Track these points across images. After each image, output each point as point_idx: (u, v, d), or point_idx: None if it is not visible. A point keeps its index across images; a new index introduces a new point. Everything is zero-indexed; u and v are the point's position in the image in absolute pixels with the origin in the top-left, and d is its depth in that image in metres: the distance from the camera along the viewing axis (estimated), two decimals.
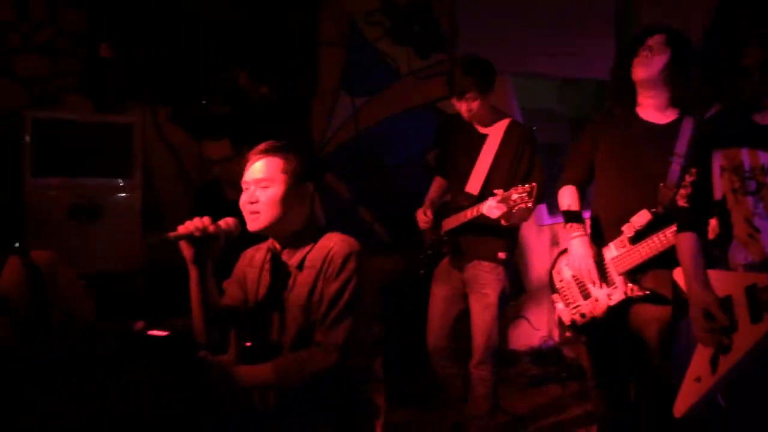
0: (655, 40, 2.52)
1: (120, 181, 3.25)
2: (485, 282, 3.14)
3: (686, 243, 2.20)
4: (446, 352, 3.31)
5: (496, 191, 2.77)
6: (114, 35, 3.55)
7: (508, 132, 3.14)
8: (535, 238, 5.10)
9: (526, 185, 2.68)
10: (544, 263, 5.15)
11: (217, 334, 2.00)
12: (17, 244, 1.79)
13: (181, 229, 1.86)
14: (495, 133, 3.16)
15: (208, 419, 1.92)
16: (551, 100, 5.44)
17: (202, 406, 1.86)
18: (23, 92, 3.37)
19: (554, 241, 5.18)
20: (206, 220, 1.87)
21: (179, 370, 2.50)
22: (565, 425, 3.77)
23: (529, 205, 2.66)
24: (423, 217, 3.30)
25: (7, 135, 3.20)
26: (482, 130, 3.20)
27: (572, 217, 2.76)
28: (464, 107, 3.10)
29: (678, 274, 2.29)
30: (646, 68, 2.52)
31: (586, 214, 2.84)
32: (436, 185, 3.46)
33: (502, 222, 2.87)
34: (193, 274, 1.92)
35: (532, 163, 3.11)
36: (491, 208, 2.78)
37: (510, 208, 2.72)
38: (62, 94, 3.48)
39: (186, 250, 1.89)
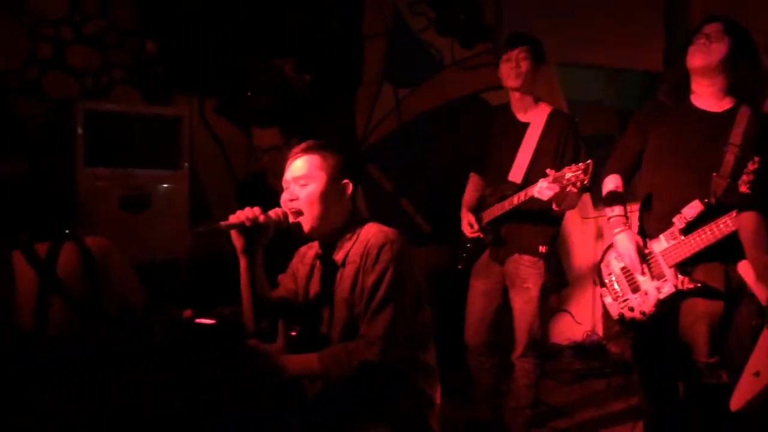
0: (712, 28, 2.46)
1: (168, 171, 3.30)
2: (526, 276, 3.11)
3: (749, 220, 2.17)
4: (484, 347, 3.29)
5: (548, 171, 2.70)
6: (162, 28, 3.60)
7: (550, 120, 3.10)
8: (579, 231, 5.04)
9: (580, 163, 2.61)
10: (588, 257, 5.09)
11: (266, 324, 2.02)
12: (67, 231, 1.82)
13: (232, 218, 1.88)
14: (537, 121, 3.11)
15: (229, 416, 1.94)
16: (597, 91, 5.35)
17: (203, 406, 1.87)
18: (75, 84, 3.44)
19: (599, 234, 5.10)
20: (256, 210, 1.90)
21: (228, 356, 2.54)
22: (609, 420, 3.72)
23: (585, 182, 2.58)
24: (468, 227, 3.25)
25: (61, 126, 3.27)
26: (523, 118, 3.15)
27: (614, 199, 2.72)
28: (512, 68, 3.05)
29: (743, 267, 2.25)
30: (704, 56, 2.46)
31: (632, 207, 2.79)
32: (472, 185, 3.41)
33: (553, 206, 2.82)
34: (243, 263, 1.94)
35: (577, 151, 3.06)
36: (542, 189, 2.71)
37: (563, 188, 2.65)
38: (112, 86, 3.54)
39: (236, 239, 1.92)
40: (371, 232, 1.94)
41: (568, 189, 2.66)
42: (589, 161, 2.59)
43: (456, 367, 3.36)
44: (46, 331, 1.66)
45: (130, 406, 1.73)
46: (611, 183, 2.75)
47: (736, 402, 2.16)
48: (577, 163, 2.93)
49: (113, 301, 1.75)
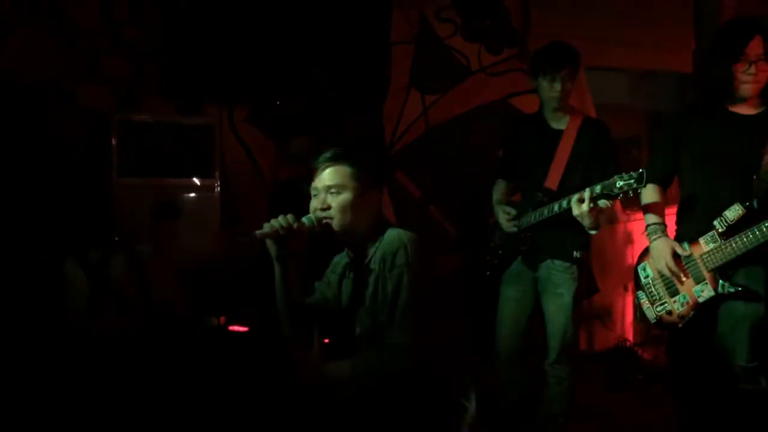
0: (755, 50, 2.41)
1: (200, 180, 3.34)
2: (559, 282, 3.08)
3: None
4: (516, 355, 3.26)
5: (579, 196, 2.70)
6: (192, 37, 3.64)
7: (583, 127, 3.09)
8: (609, 235, 4.98)
9: (632, 172, 2.55)
10: (618, 262, 5.03)
11: (301, 330, 2.03)
12: (117, 238, 1.86)
13: (266, 226, 1.90)
14: (570, 128, 3.10)
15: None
16: (626, 94, 5.30)
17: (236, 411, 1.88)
18: (109, 95, 3.50)
19: (628, 239, 5.04)
20: (290, 217, 1.91)
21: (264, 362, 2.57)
22: (642, 429, 3.67)
23: (639, 192, 2.56)
24: (507, 216, 3.22)
25: (95, 137, 3.33)
26: (556, 126, 3.14)
27: (653, 209, 2.71)
28: (557, 90, 3.01)
29: None
30: (755, 86, 2.45)
31: (669, 211, 2.76)
32: (501, 189, 3.40)
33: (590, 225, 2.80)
34: (279, 270, 1.96)
35: (608, 161, 3.03)
36: (575, 205, 2.71)
37: (596, 211, 2.68)
38: (144, 96, 3.60)
39: (271, 247, 1.93)
40: (389, 239, 1.96)
41: (602, 208, 2.67)
42: (641, 170, 2.53)
43: (487, 375, 3.35)
44: (98, 336, 1.69)
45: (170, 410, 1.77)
46: (650, 196, 2.73)
47: None
48: (606, 172, 2.91)
49: (160, 307, 1.78)
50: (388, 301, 1.88)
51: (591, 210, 2.68)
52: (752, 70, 2.41)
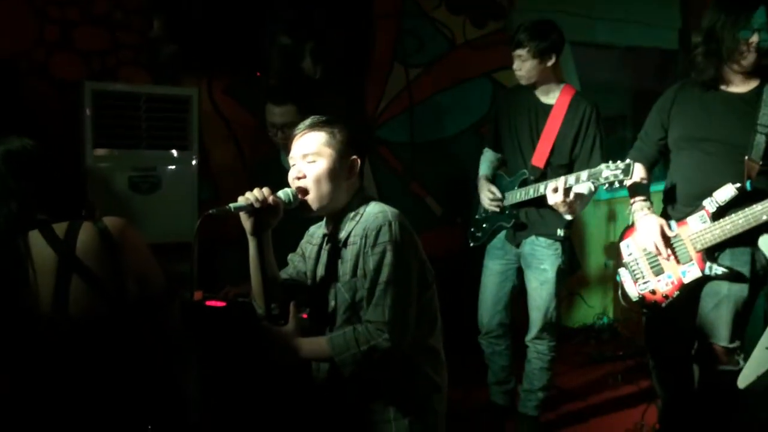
0: (759, 20, 2.35)
1: (177, 152, 3.27)
2: (543, 257, 3.09)
3: None
4: (499, 329, 3.27)
5: (556, 184, 2.75)
6: (170, 7, 3.54)
7: (572, 104, 3.06)
8: (591, 214, 4.98)
9: (619, 162, 2.56)
10: (600, 240, 5.05)
11: (276, 305, 1.99)
12: (84, 212, 1.79)
13: (241, 200, 1.85)
14: (560, 105, 3.07)
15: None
16: (612, 70, 5.26)
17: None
18: (82, 65, 3.41)
19: (611, 217, 5.05)
20: (266, 190, 1.86)
21: (241, 338, 2.53)
22: (621, 403, 3.71)
23: (625, 183, 2.56)
24: (491, 195, 3.21)
25: (68, 107, 3.24)
26: (545, 100, 3.11)
27: (639, 189, 2.69)
28: (517, 69, 3.04)
29: (764, 241, 2.21)
30: (756, 54, 2.39)
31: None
32: (489, 160, 3.38)
33: (567, 210, 2.83)
34: (253, 244, 1.92)
35: (595, 139, 3.03)
36: (551, 195, 2.76)
37: (570, 200, 2.73)
38: (120, 67, 3.50)
39: (246, 221, 1.89)
40: (371, 213, 1.90)
41: (574, 198, 2.73)
42: (628, 161, 2.54)
43: (468, 350, 3.35)
44: (66, 312, 1.64)
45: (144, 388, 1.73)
46: (637, 174, 2.68)
47: (746, 378, 2.13)
48: (593, 152, 2.90)
49: (133, 282, 1.72)
50: (369, 278, 1.84)
51: (565, 199, 2.71)
52: (755, 37, 2.36)
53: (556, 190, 2.74)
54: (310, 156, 1.91)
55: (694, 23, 4.90)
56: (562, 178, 2.75)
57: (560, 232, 3.06)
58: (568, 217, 2.93)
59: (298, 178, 1.92)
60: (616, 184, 2.56)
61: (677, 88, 2.67)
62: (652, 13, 5.01)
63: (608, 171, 2.56)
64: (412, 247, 1.89)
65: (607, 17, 4.82)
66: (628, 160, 2.53)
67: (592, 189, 2.88)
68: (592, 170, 2.64)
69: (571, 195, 2.75)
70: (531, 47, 2.97)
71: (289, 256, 2.13)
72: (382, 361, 1.83)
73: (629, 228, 2.77)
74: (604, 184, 2.58)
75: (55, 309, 1.63)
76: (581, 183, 2.71)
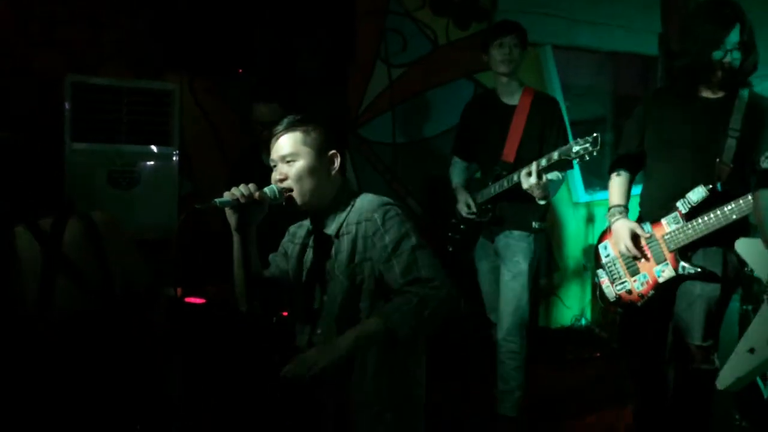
0: (733, 39, 2.41)
1: (158, 148, 3.24)
2: (516, 250, 3.16)
3: None
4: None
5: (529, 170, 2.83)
6: (153, 3, 3.51)
7: (535, 103, 3.18)
8: (570, 216, 5.03)
9: (587, 137, 2.68)
10: (579, 241, 5.09)
11: (257, 302, 1.99)
12: (68, 206, 1.77)
13: (227, 195, 1.85)
14: (523, 104, 3.19)
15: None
16: (593, 74, 5.31)
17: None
18: (63, 60, 3.36)
19: (589, 219, 5.10)
20: (251, 186, 1.86)
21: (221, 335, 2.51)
22: (598, 404, 3.73)
23: (595, 154, 2.67)
24: (466, 207, 3.28)
25: (48, 101, 3.20)
26: (509, 101, 3.24)
27: (620, 196, 2.76)
28: (506, 54, 3.14)
29: (742, 246, 2.26)
30: (729, 72, 2.44)
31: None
32: (459, 168, 3.48)
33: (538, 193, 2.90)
34: (237, 241, 1.91)
35: (560, 134, 3.16)
36: (524, 178, 2.84)
37: (543, 182, 2.83)
38: (102, 62, 3.46)
39: (230, 217, 1.88)
40: (367, 200, 1.94)
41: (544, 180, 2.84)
42: (596, 134, 2.67)
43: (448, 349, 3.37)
44: (51, 308, 1.61)
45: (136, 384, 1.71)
46: (615, 180, 2.78)
47: (726, 379, 2.17)
48: (559, 144, 2.98)
49: (119, 277, 1.70)
50: (389, 251, 1.83)
51: (539, 181, 2.81)
52: (728, 58, 2.42)
53: (530, 173, 2.84)
54: (288, 157, 1.93)
55: (673, 28, 4.98)
56: (535, 162, 2.86)
57: (535, 224, 3.15)
58: (542, 203, 2.98)
59: (281, 180, 1.93)
60: (587, 157, 2.68)
61: (652, 96, 2.77)
62: (633, 17, 5.06)
63: (578, 146, 2.70)
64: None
65: (588, 21, 4.86)
66: (595, 134, 2.66)
67: (560, 176, 3.05)
68: (562, 148, 2.77)
69: (544, 178, 2.85)
70: (521, 34, 3.16)
71: (270, 256, 2.13)
72: (449, 315, 1.80)
73: (607, 230, 2.81)
74: (576, 158, 2.70)
75: (42, 303, 1.61)
76: (553, 161, 2.81)
